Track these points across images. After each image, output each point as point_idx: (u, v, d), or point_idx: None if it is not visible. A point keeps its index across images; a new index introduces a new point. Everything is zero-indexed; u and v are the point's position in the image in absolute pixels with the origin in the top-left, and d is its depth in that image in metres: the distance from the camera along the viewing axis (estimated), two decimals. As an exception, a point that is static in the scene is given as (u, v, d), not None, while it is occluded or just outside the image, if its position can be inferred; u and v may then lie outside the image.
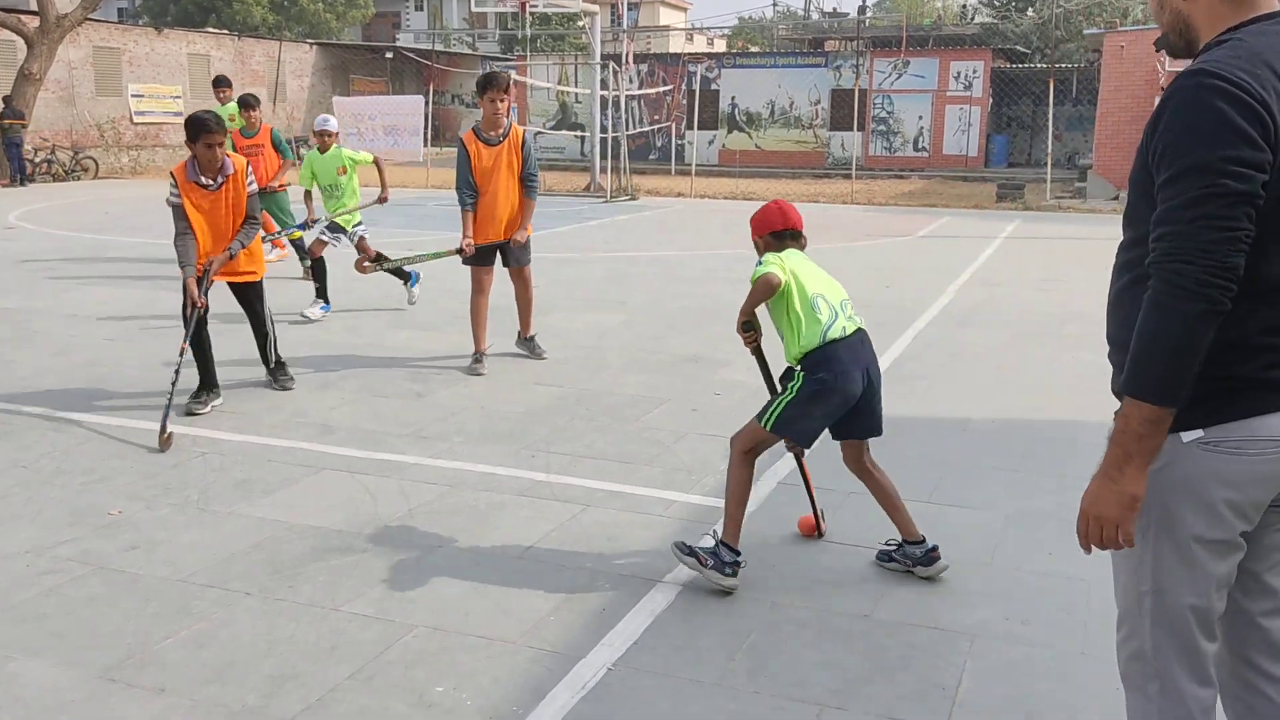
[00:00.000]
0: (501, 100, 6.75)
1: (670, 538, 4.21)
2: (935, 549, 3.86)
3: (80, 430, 5.57)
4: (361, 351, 7.49)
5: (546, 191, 23.24)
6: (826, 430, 3.86)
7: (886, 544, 3.98)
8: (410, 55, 38.53)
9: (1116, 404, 2.02)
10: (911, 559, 3.87)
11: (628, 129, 25.07)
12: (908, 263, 12.53)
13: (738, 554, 3.74)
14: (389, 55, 37.23)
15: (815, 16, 46.16)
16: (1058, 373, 7.09)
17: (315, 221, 9.14)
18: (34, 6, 24.06)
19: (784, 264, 3.79)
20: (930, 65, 29.36)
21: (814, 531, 4.24)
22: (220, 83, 11.71)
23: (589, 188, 23.29)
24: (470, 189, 6.84)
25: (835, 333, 3.72)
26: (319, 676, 3.14)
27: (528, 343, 7.38)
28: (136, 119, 29.17)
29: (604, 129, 23.26)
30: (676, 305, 9.54)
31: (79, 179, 24.75)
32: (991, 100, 29.47)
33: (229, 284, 6.21)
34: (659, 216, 18.47)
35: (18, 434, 5.48)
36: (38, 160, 24.49)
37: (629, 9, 37.47)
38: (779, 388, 3.87)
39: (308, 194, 9.47)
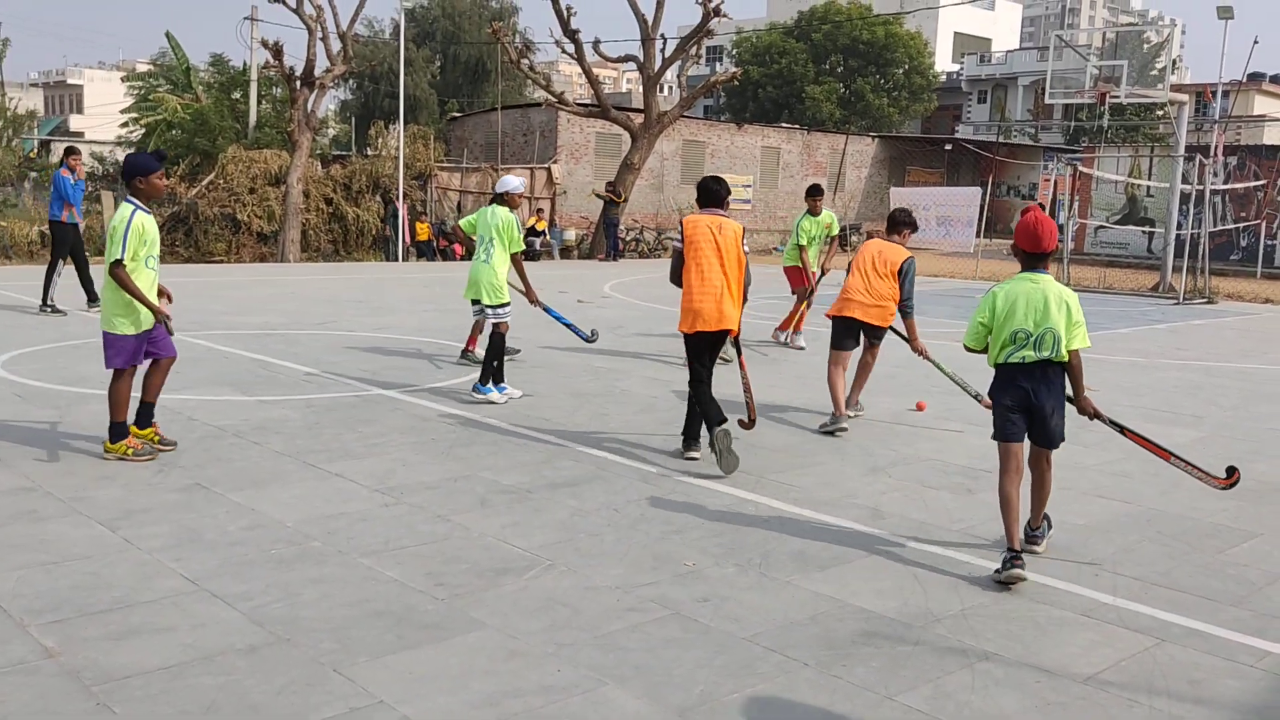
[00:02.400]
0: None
1: (1265, 694, 3.69)
2: (1038, 536, 5.17)
3: (663, 483, 6.18)
4: (910, 439, 7.51)
5: (1105, 289, 21.82)
6: None
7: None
8: (969, 147, 38.47)
9: None
10: (1027, 536, 5.11)
11: (1210, 226, 22.81)
12: None
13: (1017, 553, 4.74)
14: (947, 147, 37.47)
15: None
16: None
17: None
18: (640, 105, 27.59)
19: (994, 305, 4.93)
20: None
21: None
22: (814, 192, 11.84)
23: (1157, 287, 21.48)
24: None
25: (1015, 359, 4.84)
26: (875, 763, 3.16)
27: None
28: (711, 204, 32.12)
29: (1180, 225, 21.38)
30: (1265, 426, 8.42)
31: (660, 256, 27.80)
32: None
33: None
34: (1242, 324, 16.51)
35: (610, 479, 6.22)
36: (628, 239, 27.96)
37: (1220, 97, 34.23)
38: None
39: None
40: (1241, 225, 28.00)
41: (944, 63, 60.64)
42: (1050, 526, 5.27)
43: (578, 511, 5.57)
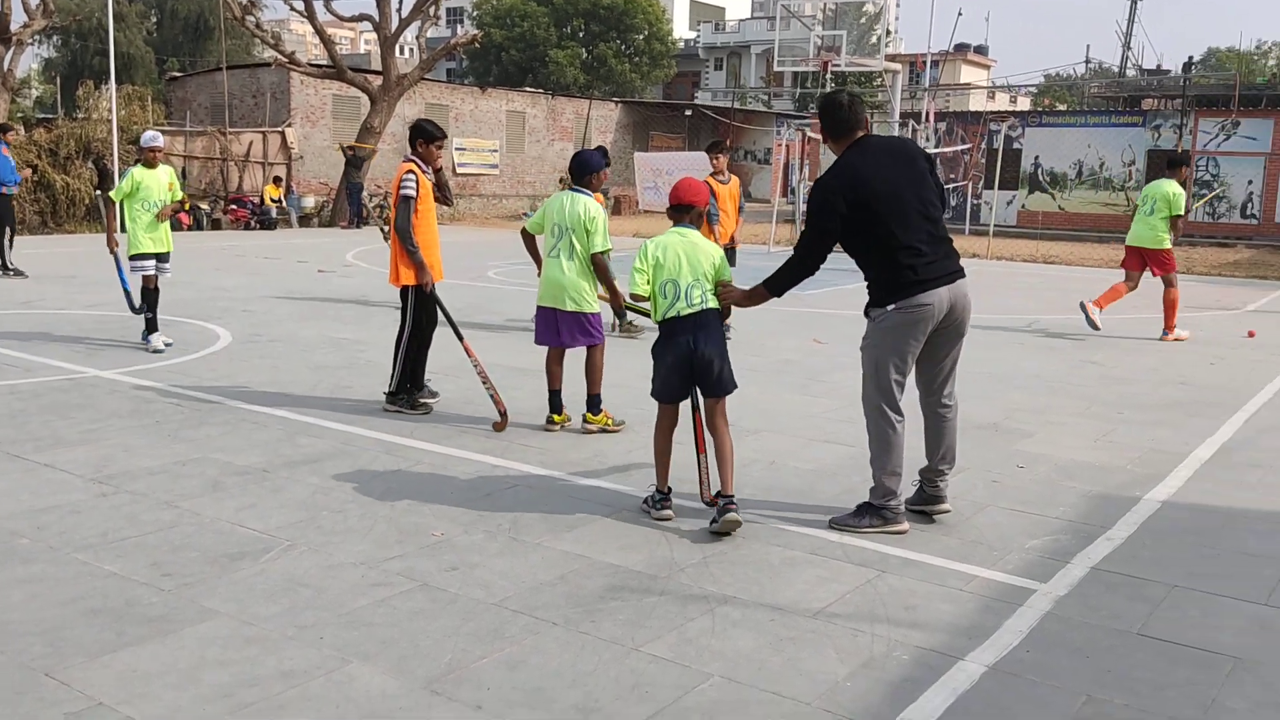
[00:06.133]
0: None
1: (972, 614, 4.04)
2: (731, 505, 4.80)
3: (409, 454, 6.05)
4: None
5: (836, 248, 23.13)
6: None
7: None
8: (707, 112, 39.68)
9: None
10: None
11: (923, 187, 24.62)
12: (1236, 339, 11.49)
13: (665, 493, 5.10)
14: (688, 113, 38.52)
15: (1132, 73, 43.63)
16: None
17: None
18: (379, 67, 26.73)
19: (648, 259, 4.97)
20: (1264, 126, 27.03)
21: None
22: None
23: (879, 246, 22.99)
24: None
25: (673, 313, 4.90)
26: (621, 713, 3.23)
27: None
28: (459, 170, 31.68)
29: (898, 187, 22.95)
30: (968, 370, 9.16)
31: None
32: (1338, 164, 26.69)
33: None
34: (953, 278, 17.90)
35: (355, 453, 6.03)
36: (371, 205, 27.08)
37: (930, 66, 36.87)
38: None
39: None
40: (951, 186, 30.36)
41: (681, 30, 62.14)
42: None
43: (319, 489, 5.37)
